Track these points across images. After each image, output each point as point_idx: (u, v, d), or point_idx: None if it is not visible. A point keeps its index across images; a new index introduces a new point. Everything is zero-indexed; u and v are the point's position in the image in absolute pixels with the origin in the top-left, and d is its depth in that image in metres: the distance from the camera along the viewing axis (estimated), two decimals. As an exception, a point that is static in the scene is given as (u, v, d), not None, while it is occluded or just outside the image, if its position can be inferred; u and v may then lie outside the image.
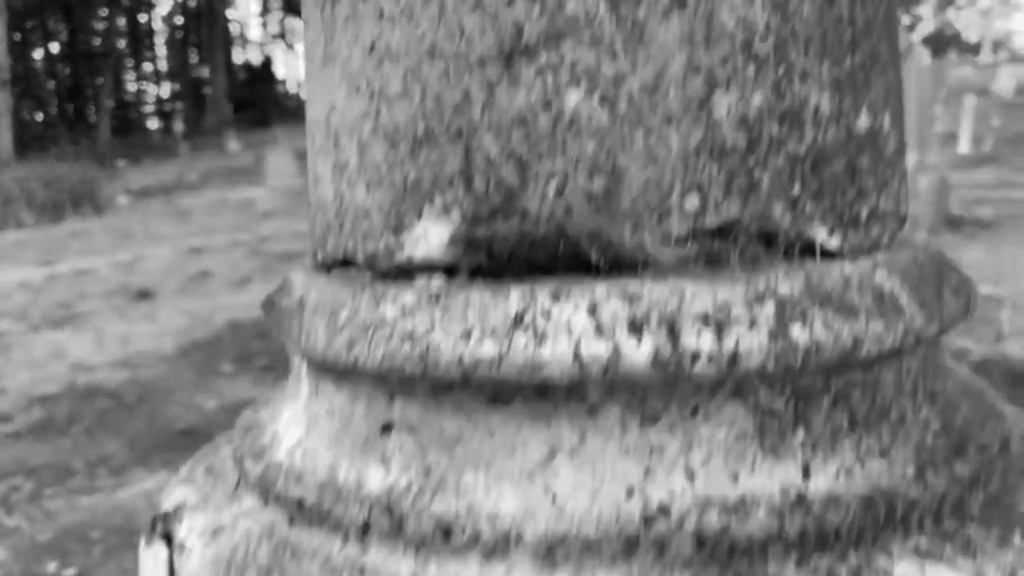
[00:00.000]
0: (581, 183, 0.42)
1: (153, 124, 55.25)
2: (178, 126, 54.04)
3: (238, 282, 4.18)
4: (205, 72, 48.54)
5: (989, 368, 2.57)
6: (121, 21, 48.63)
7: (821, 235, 0.45)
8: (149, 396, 2.59)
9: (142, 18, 52.51)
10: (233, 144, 32.11)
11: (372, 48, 0.46)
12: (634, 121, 0.42)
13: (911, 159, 4.77)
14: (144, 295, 3.86)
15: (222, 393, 2.60)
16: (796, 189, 0.44)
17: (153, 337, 3.23)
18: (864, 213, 0.46)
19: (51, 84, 50.51)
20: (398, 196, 0.46)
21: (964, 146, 9.82)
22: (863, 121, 0.46)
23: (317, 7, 0.49)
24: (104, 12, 47.56)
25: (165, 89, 56.11)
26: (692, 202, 0.43)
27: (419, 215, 0.45)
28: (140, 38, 53.46)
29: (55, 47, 51.85)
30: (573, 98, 0.42)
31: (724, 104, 0.42)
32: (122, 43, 50.31)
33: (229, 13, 49.33)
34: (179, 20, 53.40)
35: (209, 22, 44.20)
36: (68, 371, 2.80)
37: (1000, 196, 6.51)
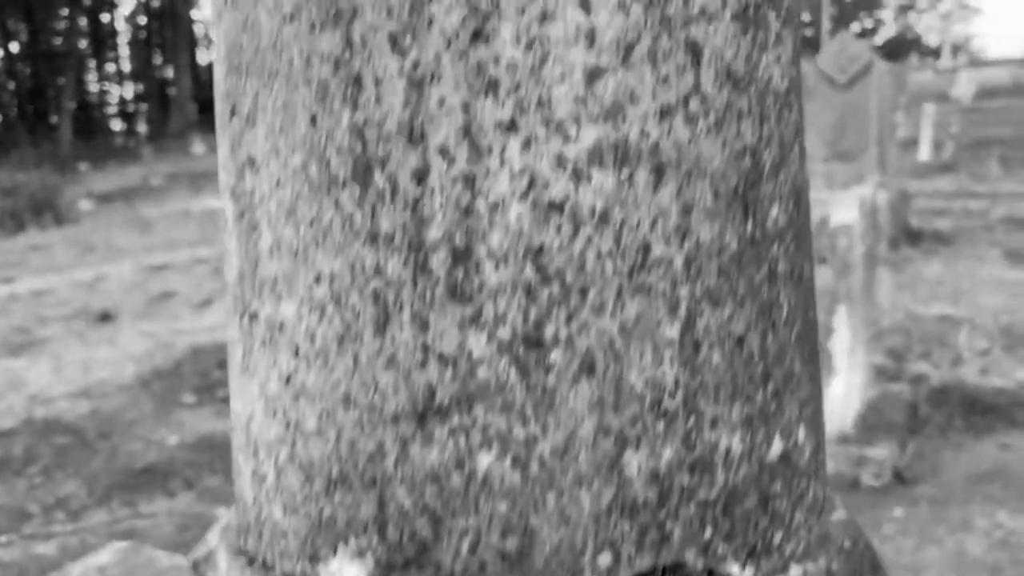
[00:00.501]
0: (494, 542, 0.43)
1: (116, 126, 54.49)
2: (142, 128, 53.42)
3: (200, 304, 4.14)
4: (169, 73, 47.98)
5: (947, 395, 2.61)
6: (83, 21, 47.88)
7: (734, 570, 0.45)
8: (109, 431, 2.55)
9: (104, 18, 51.77)
10: (198, 147, 31.79)
11: (288, 381, 0.45)
12: (546, 483, 0.42)
13: (870, 176, 4.84)
14: (105, 317, 3.81)
15: (183, 425, 2.57)
16: (708, 533, 0.44)
17: (114, 364, 3.19)
18: (778, 537, 0.47)
19: (11, 85, 49.64)
20: (314, 528, 0.46)
21: (924, 154, 9.99)
22: (776, 448, 0.47)
23: (236, 313, 0.48)
24: (65, 12, 46.80)
25: (128, 90, 55.41)
26: (605, 560, 0.43)
27: (334, 551, 0.45)
28: (102, 38, 52.71)
29: (14, 47, 50.91)
30: (485, 460, 0.42)
31: (634, 462, 0.43)
32: (84, 43, 49.57)
33: (194, 13, 48.74)
34: (142, 20, 52.68)
35: (173, 23, 43.66)
36: (26, 403, 2.75)
37: (959, 207, 6.63)
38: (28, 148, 34.53)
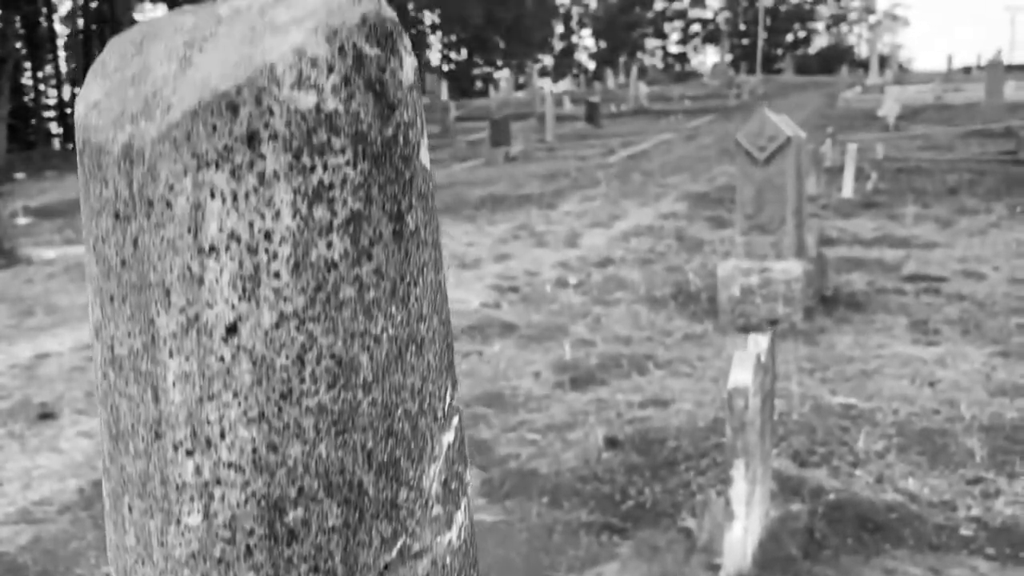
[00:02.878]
0: None
1: (54, 131, 53.03)
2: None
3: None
4: (112, 76, 46.86)
5: (843, 512, 2.84)
6: (16, 24, 46.45)
7: None
8: (52, 565, 2.66)
9: (41, 20, 50.24)
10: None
11: None
12: None
13: (787, 240, 5.10)
14: (46, 415, 3.87)
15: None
16: None
17: (57, 476, 3.27)
18: None
19: (-54, 89, 47.99)
20: None
21: (847, 191, 10.35)
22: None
23: None
24: None
25: (67, 94, 53.98)
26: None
27: None
28: (38, 42, 51.25)
29: (-51, 51, 49.18)
30: None
31: None
32: (19, 46, 48.14)
33: (135, 16, 47.70)
34: (80, 23, 51.37)
35: (113, 28, 42.65)
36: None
37: (875, 257, 6.94)
38: (-36, 158, 33.48)
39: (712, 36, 61.74)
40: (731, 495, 2.36)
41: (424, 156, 0.60)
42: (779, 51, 53.24)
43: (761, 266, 5.17)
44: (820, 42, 57.36)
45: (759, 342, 2.50)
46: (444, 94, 36.85)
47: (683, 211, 10.37)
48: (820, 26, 58.17)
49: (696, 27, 66.18)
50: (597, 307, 5.80)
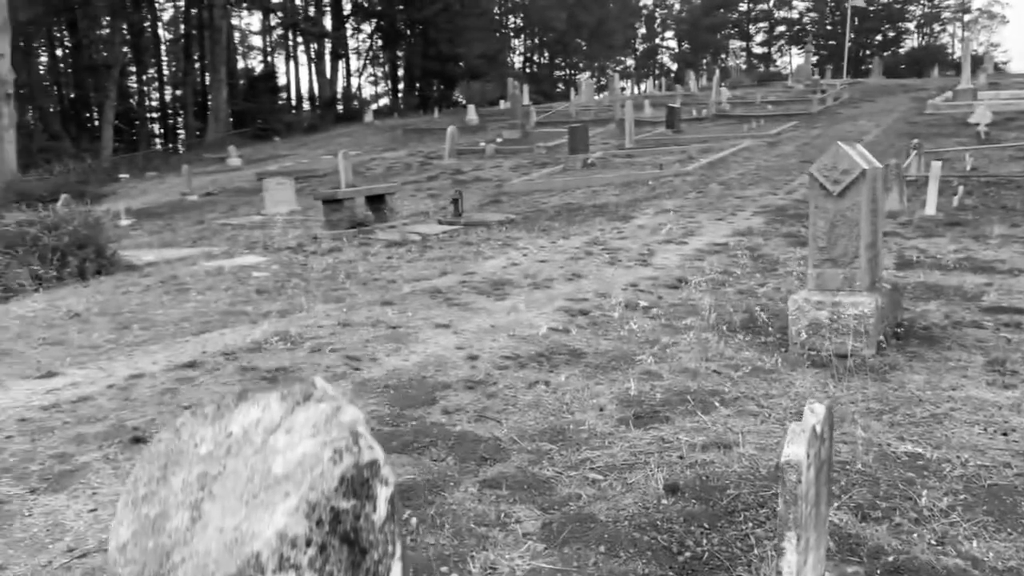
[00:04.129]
0: None
1: (156, 133, 55.35)
2: (180, 137, 54.14)
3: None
4: (207, 80, 48.69)
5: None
6: (124, 31, 48.63)
7: None
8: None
9: (146, 27, 52.50)
10: (234, 159, 32.27)
11: None
12: None
13: (860, 274, 5.03)
14: (137, 440, 4.13)
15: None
16: None
17: (144, 502, 3.51)
18: None
19: (55, 93, 50.62)
20: None
21: (931, 206, 10.03)
22: None
23: None
24: (106, 20, 47.55)
25: (168, 96, 56.24)
26: None
27: None
28: (143, 47, 53.55)
29: (57, 53, 51.90)
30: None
31: None
32: (125, 52, 50.42)
33: (232, 21, 49.31)
34: (182, 28, 53.44)
35: (211, 33, 44.27)
36: (64, 558, 3.08)
37: (955, 284, 6.76)
38: (70, 161, 35.25)
39: (797, 37, 60.27)
40: (782, 566, 2.39)
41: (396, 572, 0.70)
42: (867, 52, 51.61)
43: (832, 300, 5.12)
44: (911, 42, 55.35)
45: (816, 411, 2.52)
46: (525, 98, 37.03)
47: (760, 227, 10.25)
48: (911, 26, 56.10)
49: (781, 28, 64.68)
50: (666, 335, 5.82)
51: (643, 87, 48.78)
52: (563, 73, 62.12)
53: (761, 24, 65.65)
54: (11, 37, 30.20)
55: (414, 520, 3.25)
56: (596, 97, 40.26)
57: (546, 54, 63.31)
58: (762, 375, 4.92)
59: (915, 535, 3.08)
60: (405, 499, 3.48)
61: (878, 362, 4.95)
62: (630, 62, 65.77)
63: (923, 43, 55.41)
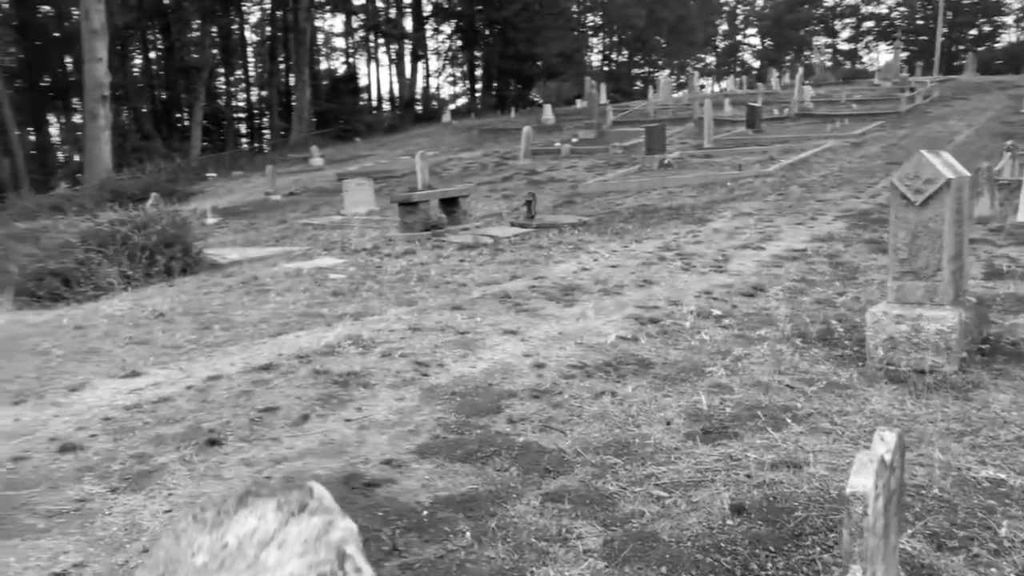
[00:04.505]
0: None
1: (242, 133, 56.97)
2: (265, 137, 55.66)
3: (296, 420, 4.55)
4: (291, 81, 49.93)
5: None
6: (213, 34, 50.25)
7: None
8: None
9: (234, 30, 54.14)
10: (317, 160, 33.03)
11: None
12: None
13: (943, 288, 4.84)
14: (213, 442, 4.26)
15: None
16: None
17: (217, 505, 3.62)
18: None
19: (148, 94, 52.62)
20: None
21: (1023, 215, 9.58)
22: None
23: None
24: (197, 23, 49.22)
25: (254, 97, 57.82)
26: None
27: None
28: (231, 49, 55.21)
29: (151, 56, 53.94)
30: None
31: None
32: (214, 54, 52.10)
33: (316, 24, 50.44)
34: (268, 31, 54.91)
35: (296, 37, 45.35)
36: (139, 559, 3.20)
37: (1054, 299, 6.43)
38: (160, 161, 36.60)
39: (886, 33, 58.29)
40: (846, 596, 2.31)
41: None
42: (960, 48, 49.55)
43: (913, 313, 4.94)
44: (1008, 37, 52.88)
45: (886, 439, 2.43)
46: (603, 97, 36.83)
47: (841, 232, 9.97)
48: (1009, 20, 53.61)
49: (869, 23, 62.65)
50: (738, 346, 5.71)
51: (723, 85, 47.93)
52: (641, 71, 61.52)
53: (848, 20, 63.72)
54: (108, 42, 31.55)
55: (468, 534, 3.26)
56: (675, 95, 39.74)
57: (624, 52, 62.80)
58: (837, 390, 4.78)
59: (994, 568, 2.95)
60: (467, 510, 3.51)
61: (960, 379, 4.75)
62: (710, 59, 64.72)
63: (1021, 38, 52.92)
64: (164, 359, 6.08)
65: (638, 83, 57.02)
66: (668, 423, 4.39)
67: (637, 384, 5.00)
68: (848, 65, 58.30)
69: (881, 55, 60.12)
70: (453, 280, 8.60)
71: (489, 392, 4.90)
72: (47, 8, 48.28)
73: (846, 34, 65.00)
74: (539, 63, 51.23)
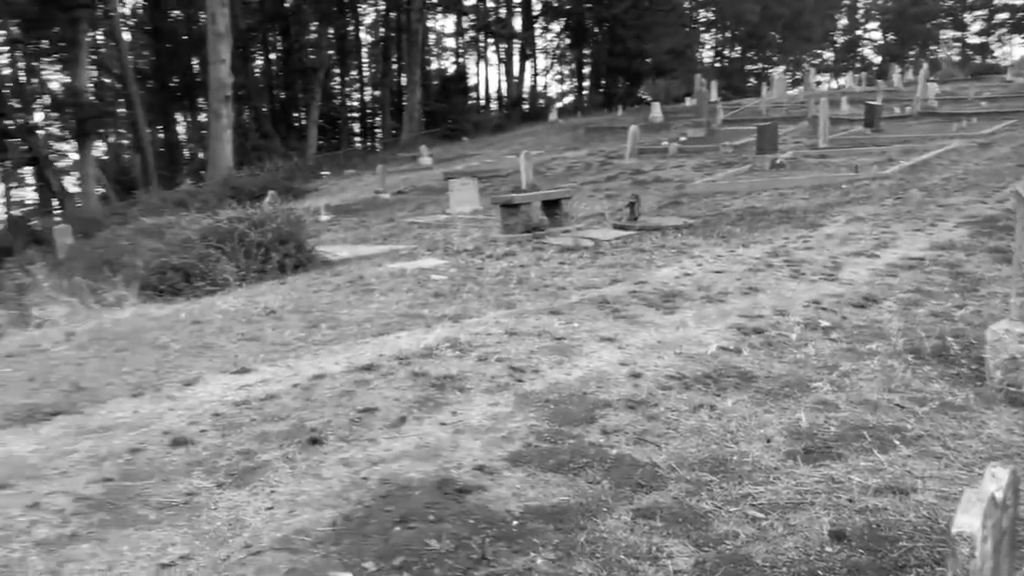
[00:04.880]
0: None
1: (355, 132, 58.57)
2: (377, 136, 57.15)
3: (394, 422, 4.64)
4: (403, 81, 51.01)
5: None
6: (329, 35, 51.88)
7: None
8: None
9: (349, 31, 55.71)
10: (425, 159, 33.66)
11: None
12: None
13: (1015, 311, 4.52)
14: (314, 441, 4.39)
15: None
16: None
17: (316, 505, 3.72)
18: None
19: (267, 94, 54.75)
20: None
21: None
22: None
23: None
24: (315, 25, 50.87)
25: (367, 97, 59.38)
26: None
27: None
28: (347, 50, 56.83)
29: (271, 57, 56.08)
30: None
31: None
32: (330, 55, 53.78)
33: (427, 24, 51.36)
34: (382, 32, 56.23)
35: (409, 38, 46.29)
36: (241, 554, 3.33)
37: None
38: (278, 160, 38.04)
39: (1021, 25, 54.86)
40: (949, 640, 2.19)
41: None
42: (1108, 40, 46.11)
43: (1040, 333, 4.63)
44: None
45: (998, 476, 2.29)
46: (713, 94, 36.10)
47: (963, 239, 9.46)
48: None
49: (1003, 15, 59.08)
50: (847, 360, 5.49)
51: (841, 82, 46.16)
52: (754, 68, 59.94)
53: (979, 12, 60.31)
54: (232, 44, 33.00)
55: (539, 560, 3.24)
56: (789, 93, 38.55)
57: (737, 48, 61.33)
58: (951, 412, 4.54)
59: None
60: (557, 522, 3.50)
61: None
62: (828, 55, 62.45)
63: None
64: (273, 356, 6.31)
65: (751, 80, 55.56)
66: (768, 441, 4.27)
67: (737, 398, 4.87)
68: (978, 60, 55.16)
69: (1015, 49, 56.65)
70: (552, 283, 8.60)
71: (583, 401, 4.87)
72: (177, 12, 50.86)
73: (976, 27, 61.55)
74: (648, 60, 50.62)
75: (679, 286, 7.99)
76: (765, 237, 10.73)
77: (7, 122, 37.95)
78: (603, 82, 55.22)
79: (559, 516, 3.54)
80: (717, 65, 58.01)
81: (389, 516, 3.56)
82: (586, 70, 57.65)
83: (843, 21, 63.93)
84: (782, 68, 49.88)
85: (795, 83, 47.04)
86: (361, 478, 3.96)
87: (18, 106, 40.21)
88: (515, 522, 3.50)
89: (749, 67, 60.23)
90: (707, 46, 61.18)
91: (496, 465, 4.04)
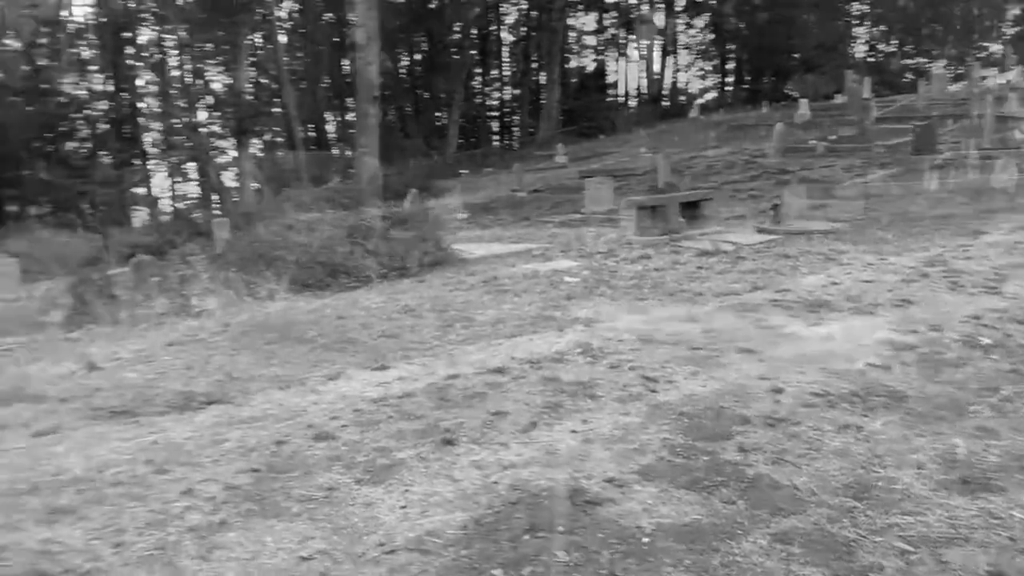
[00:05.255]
0: None
1: (494, 131, 59.33)
2: (514, 135, 57.66)
3: (524, 427, 4.66)
4: (542, 80, 51.30)
5: None
6: (473, 35, 52.80)
7: None
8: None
9: (491, 30, 56.49)
10: (561, 157, 33.76)
11: None
12: None
13: None
14: (448, 442, 4.47)
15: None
16: None
17: (448, 506, 3.78)
18: None
19: (411, 94, 56.32)
20: None
21: None
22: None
23: None
24: (458, 25, 51.94)
25: (507, 96, 60.07)
26: None
27: None
28: (488, 50, 57.69)
29: (416, 58, 57.52)
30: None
31: None
32: (472, 54, 54.76)
33: (568, 22, 51.44)
34: (522, 31, 56.78)
35: (549, 37, 46.49)
36: (375, 552, 3.42)
37: None
38: (421, 159, 39.08)
39: None
40: None
41: None
42: None
43: None
44: None
45: None
46: (866, 91, 34.37)
47: None
48: None
49: None
50: (1009, 382, 5.09)
51: (1009, 77, 42.95)
52: (912, 62, 56.67)
53: None
54: (379, 46, 34.10)
55: None
56: (949, 89, 36.21)
57: (893, 42, 58.15)
58: None
59: None
60: (689, 542, 3.41)
61: None
62: (996, 48, 58.22)
63: None
64: (410, 354, 6.47)
65: (907, 76, 52.56)
66: (920, 467, 4.01)
67: (887, 419, 4.61)
68: None
69: None
70: (688, 289, 8.41)
71: (720, 415, 4.73)
72: (329, 15, 53.04)
73: None
74: (795, 55, 48.73)
75: (825, 295, 7.65)
76: (920, 244, 10.13)
77: (174, 121, 40.72)
78: (747, 78, 53.61)
79: (692, 536, 3.45)
80: (870, 60, 55.19)
81: (519, 523, 3.57)
82: (729, 66, 56.16)
83: (1015, 11, 59.49)
84: (943, 63, 46.87)
85: (956, 79, 44.15)
86: (491, 482, 3.99)
87: (184, 106, 43.07)
88: (645, 539, 3.43)
89: (906, 62, 57.01)
90: (860, 40, 58.30)
91: (627, 478, 3.99)
